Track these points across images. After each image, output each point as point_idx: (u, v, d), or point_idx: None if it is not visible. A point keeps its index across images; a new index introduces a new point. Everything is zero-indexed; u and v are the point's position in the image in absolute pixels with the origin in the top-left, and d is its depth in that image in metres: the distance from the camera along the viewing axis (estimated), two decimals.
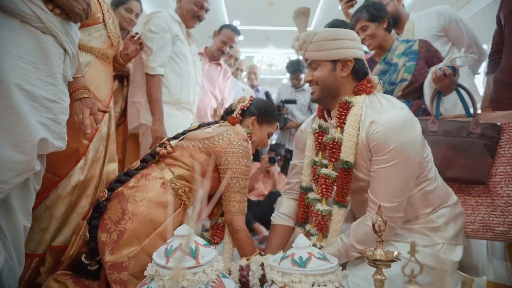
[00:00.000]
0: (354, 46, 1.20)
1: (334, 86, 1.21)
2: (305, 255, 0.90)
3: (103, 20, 1.45)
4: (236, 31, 2.72)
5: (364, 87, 1.20)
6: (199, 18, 2.07)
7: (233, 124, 1.42)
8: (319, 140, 1.29)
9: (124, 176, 1.28)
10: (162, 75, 1.88)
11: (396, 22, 1.99)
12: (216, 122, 1.45)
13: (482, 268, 1.49)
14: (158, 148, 1.33)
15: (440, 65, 1.52)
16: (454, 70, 1.47)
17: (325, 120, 1.31)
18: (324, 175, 1.21)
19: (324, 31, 1.19)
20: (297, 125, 3.36)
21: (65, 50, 1.04)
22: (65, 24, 1.04)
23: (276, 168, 3.38)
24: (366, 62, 1.25)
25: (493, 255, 1.49)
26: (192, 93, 2.07)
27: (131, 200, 1.16)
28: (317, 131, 1.30)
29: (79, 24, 1.21)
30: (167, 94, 1.94)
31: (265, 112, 1.47)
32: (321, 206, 1.21)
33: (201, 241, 0.85)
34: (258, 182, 3.41)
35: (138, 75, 1.92)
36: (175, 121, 1.94)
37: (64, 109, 1.04)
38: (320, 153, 1.29)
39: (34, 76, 0.94)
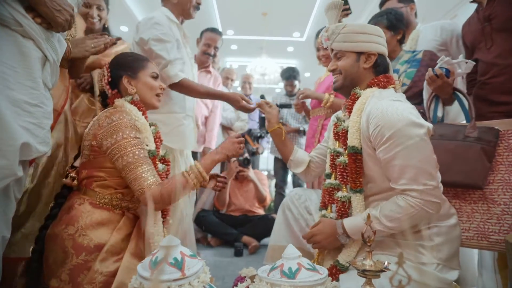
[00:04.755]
0: (379, 42, 1.26)
1: (356, 77, 1.27)
2: (294, 266, 0.88)
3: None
4: (217, 32, 2.72)
5: (377, 80, 1.24)
6: (198, 6, 1.97)
7: (113, 102, 1.30)
8: (336, 130, 1.34)
9: (48, 221, 1.21)
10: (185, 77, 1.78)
11: None
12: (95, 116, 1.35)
13: (471, 279, 1.47)
14: (64, 179, 1.27)
15: (436, 67, 1.52)
16: (448, 72, 1.46)
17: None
18: (339, 162, 1.25)
19: (353, 25, 1.27)
20: (292, 130, 3.35)
21: (46, 56, 1.02)
22: (46, 31, 1.02)
23: (251, 171, 3.18)
24: (388, 59, 1.30)
25: (482, 267, 1.47)
26: (193, 99, 1.99)
27: (65, 236, 1.10)
28: (335, 122, 1.36)
29: (65, 34, 1.19)
30: (169, 103, 1.83)
31: (127, 62, 1.33)
32: (340, 193, 1.24)
33: (188, 252, 0.83)
34: (236, 196, 3.16)
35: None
36: (182, 130, 1.85)
37: (47, 114, 1.02)
38: (338, 142, 1.33)
39: (14, 80, 0.92)
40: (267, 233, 2.79)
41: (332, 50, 1.31)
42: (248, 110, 1.80)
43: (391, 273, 0.64)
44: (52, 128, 1.41)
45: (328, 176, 1.35)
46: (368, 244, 0.83)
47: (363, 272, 0.81)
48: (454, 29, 1.87)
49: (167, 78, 1.73)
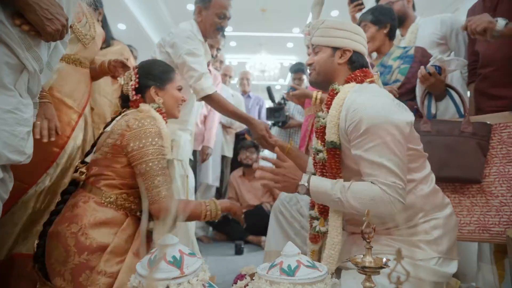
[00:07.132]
0: (357, 40, 1.25)
1: (330, 72, 1.26)
2: (293, 263, 0.88)
3: (71, 26, 1.37)
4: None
5: (354, 76, 1.23)
6: (222, 29, 1.98)
7: (137, 106, 1.31)
8: (315, 127, 1.33)
9: (53, 216, 1.21)
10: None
11: (401, 21, 2.01)
12: (119, 114, 1.34)
13: (471, 275, 1.48)
14: (74, 174, 1.28)
15: (428, 65, 1.53)
16: (440, 69, 1.47)
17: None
18: (318, 160, 1.24)
19: (331, 20, 1.26)
20: (298, 124, 3.31)
21: (24, 64, 0.95)
22: (30, 39, 0.96)
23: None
24: (366, 58, 1.28)
25: (481, 260, 1.48)
26: (196, 114, 2.04)
27: (68, 234, 1.10)
28: (316, 120, 1.35)
29: (66, 42, 1.15)
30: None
31: (157, 74, 1.36)
32: None
33: (186, 250, 0.83)
34: (243, 193, 3.16)
35: None
36: (177, 140, 1.86)
37: (23, 121, 0.96)
38: (318, 140, 1.31)
39: None
40: (261, 224, 2.78)
41: (313, 45, 1.31)
42: (266, 145, 1.74)
43: (388, 270, 0.64)
44: (72, 129, 1.41)
45: (313, 175, 1.32)
46: (368, 241, 0.83)
47: (362, 269, 0.81)
48: (454, 22, 1.86)
49: (200, 90, 1.76)
